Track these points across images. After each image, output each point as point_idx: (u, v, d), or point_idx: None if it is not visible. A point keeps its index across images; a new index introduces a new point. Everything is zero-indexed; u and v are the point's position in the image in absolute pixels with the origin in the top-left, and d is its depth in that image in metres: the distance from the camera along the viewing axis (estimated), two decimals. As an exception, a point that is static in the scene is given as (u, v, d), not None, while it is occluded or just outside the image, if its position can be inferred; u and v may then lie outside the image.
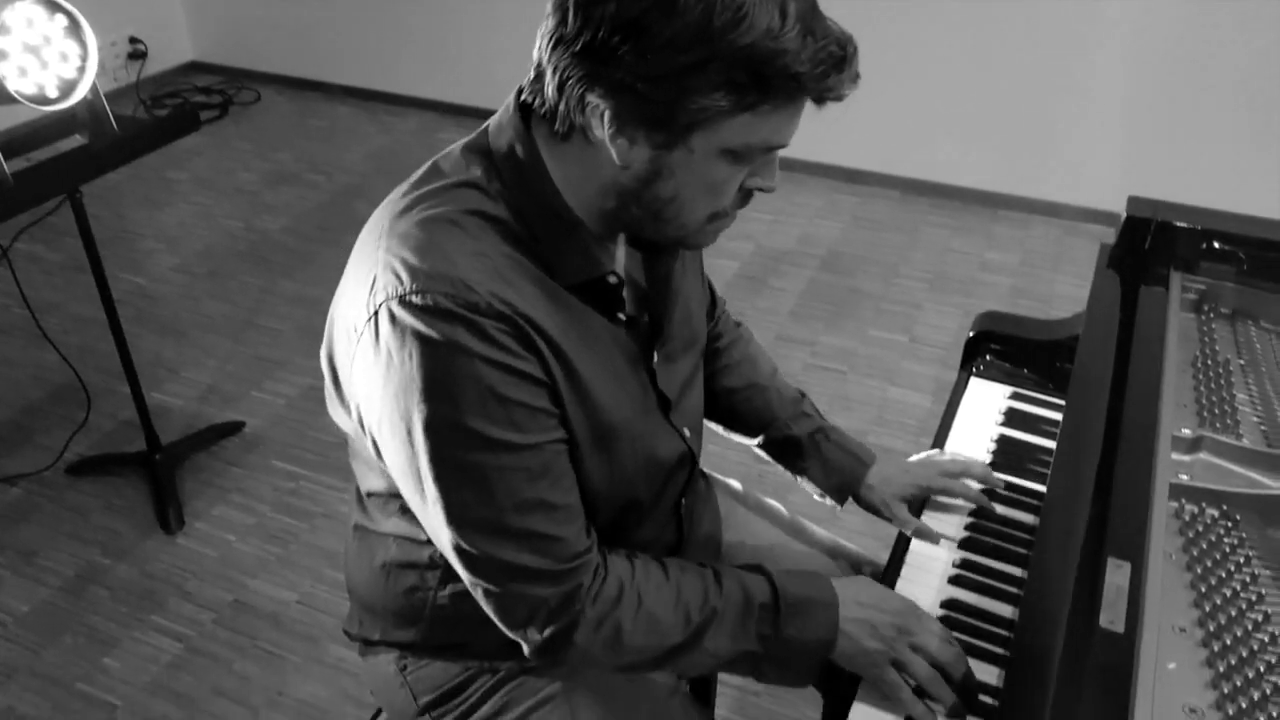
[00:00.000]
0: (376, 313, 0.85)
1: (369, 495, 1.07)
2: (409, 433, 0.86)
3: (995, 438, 1.37)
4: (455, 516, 0.89)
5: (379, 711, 1.28)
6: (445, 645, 1.10)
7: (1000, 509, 1.23)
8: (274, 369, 2.92)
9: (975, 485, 1.24)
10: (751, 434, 1.33)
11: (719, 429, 1.36)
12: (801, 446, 1.28)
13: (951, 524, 1.22)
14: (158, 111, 4.47)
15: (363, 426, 0.94)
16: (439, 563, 1.03)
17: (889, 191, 3.90)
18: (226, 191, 3.96)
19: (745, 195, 0.92)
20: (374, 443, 0.93)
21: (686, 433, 1.08)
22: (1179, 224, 1.35)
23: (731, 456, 2.54)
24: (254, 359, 2.97)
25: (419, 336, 0.83)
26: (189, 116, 2.40)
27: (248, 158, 4.22)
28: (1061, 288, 3.29)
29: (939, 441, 1.38)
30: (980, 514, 1.23)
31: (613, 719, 1.08)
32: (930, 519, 1.23)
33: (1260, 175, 3.30)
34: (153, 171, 4.02)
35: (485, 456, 0.87)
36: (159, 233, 3.66)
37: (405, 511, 1.00)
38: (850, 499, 1.28)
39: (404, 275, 0.85)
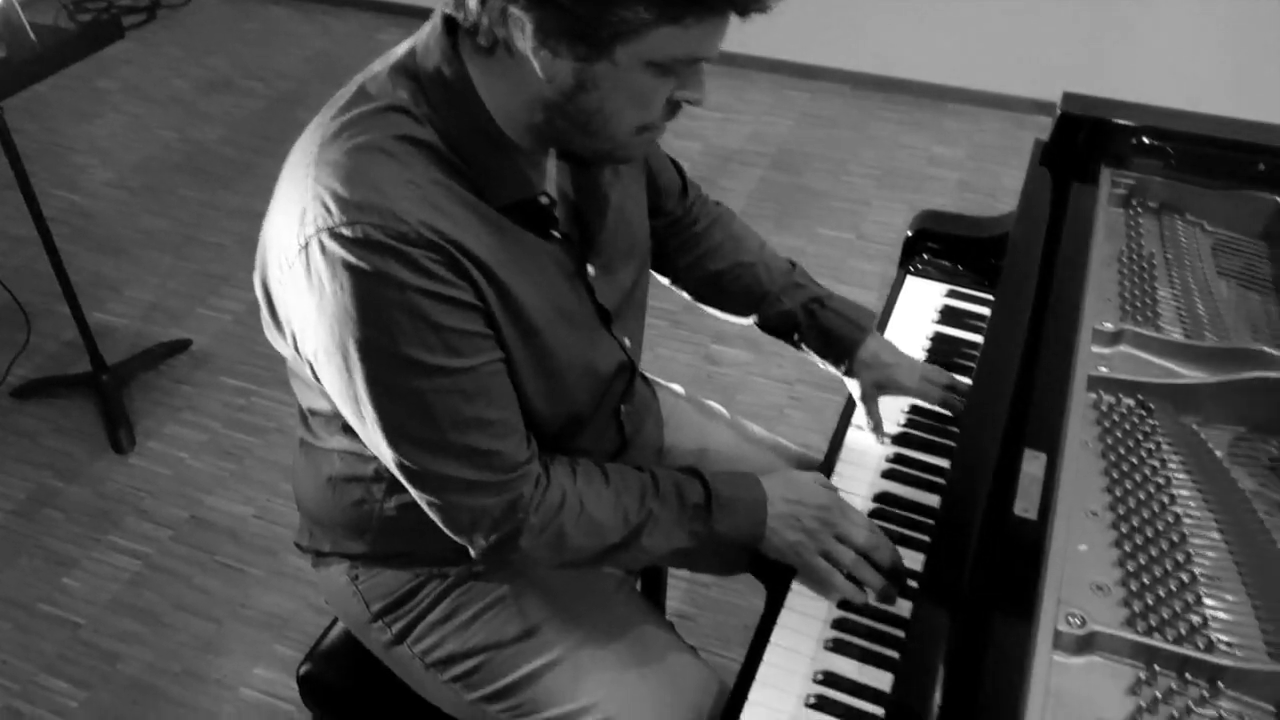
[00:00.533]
0: (307, 244, 0.85)
1: (311, 413, 1.08)
2: (345, 361, 0.87)
3: (931, 335, 1.41)
4: (395, 437, 0.91)
5: (335, 620, 1.31)
6: (394, 554, 1.13)
7: (930, 405, 1.27)
8: (219, 284, 2.87)
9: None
10: (745, 314, 1.32)
11: (716, 313, 1.35)
12: (796, 319, 1.28)
13: (887, 420, 1.26)
14: (81, 17, 4.27)
15: (299, 352, 0.95)
16: (384, 475, 1.05)
17: (839, 86, 3.86)
18: (159, 100, 3.83)
19: (673, 107, 0.91)
20: (311, 368, 0.94)
21: (627, 342, 1.10)
22: (1111, 120, 1.37)
23: (681, 359, 2.58)
24: (198, 274, 2.92)
25: (350, 268, 0.84)
26: (112, 25, 2.31)
27: (180, 64, 4.07)
28: (1009, 181, 3.31)
29: (876, 341, 1.41)
30: (945, 419, 1.26)
31: (561, 616, 1.12)
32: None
33: (1202, 67, 3.31)
34: (80, 81, 3.87)
35: (422, 381, 0.88)
36: (91, 146, 3.54)
37: (348, 429, 1.01)
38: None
39: (333, 207, 0.84)
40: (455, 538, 0.98)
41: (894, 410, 1.28)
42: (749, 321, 1.32)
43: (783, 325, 1.30)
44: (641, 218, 1.16)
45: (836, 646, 1.01)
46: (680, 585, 2.04)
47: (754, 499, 1.06)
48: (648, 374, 1.36)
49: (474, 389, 0.91)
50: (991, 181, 3.32)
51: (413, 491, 0.96)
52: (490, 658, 1.11)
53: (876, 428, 1.25)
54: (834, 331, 1.26)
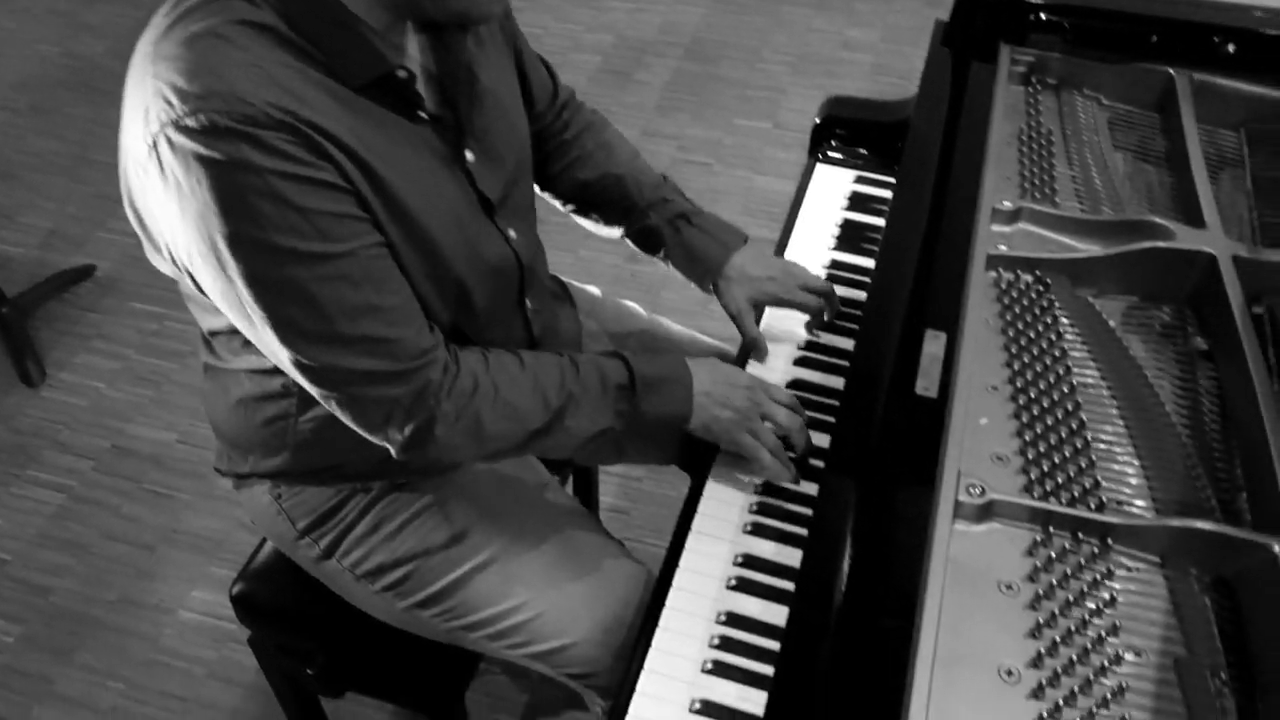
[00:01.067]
0: (155, 143, 0.81)
1: (212, 334, 1.06)
2: (219, 261, 0.85)
3: (840, 222, 1.42)
4: (286, 334, 0.89)
5: (264, 540, 1.31)
6: (314, 470, 1.13)
7: (843, 290, 1.28)
8: (117, 206, 2.69)
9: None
10: (614, 226, 1.31)
11: (585, 223, 1.34)
12: (661, 234, 1.27)
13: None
14: (-61, -77, 3.96)
15: (177, 265, 0.92)
16: (294, 390, 1.04)
17: (750, -30, 3.78)
18: (36, 13, 3.59)
19: None
20: (192, 279, 0.92)
21: (512, 234, 1.08)
22: (1011, -5, 1.36)
23: (604, 260, 2.57)
24: (94, 197, 2.80)
25: (202, 160, 0.80)
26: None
27: (54, -28, 3.82)
28: (922, 63, 3.30)
29: (787, 229, 1.42)
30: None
31: (487, 520, 1.14)
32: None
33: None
34: (-55, -6, 3.62)
35: (300, 270, 0.85)
36: (-35, 65, 3.34)
37: (250, 345, 1.00)
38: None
39: (174, 100, 0.80)
40: (370, 437, 0.97)
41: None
42: (617, 234, 1.32)
43: (649, 240, 1.29)
44: (518, 107, 1.13)
45: (755, 530, 1.04)
46: (613, 481, 2.08)
47: (679, 377, 1.06)
48: (564, 277, 1.36)
49: (359, 274, 0.88)
50: (905, 64, 3.31)
51: (318, 393, 0.94)
52: (419, 565, 1.13)
53: (755, 346, 1.23)
54: (698, 249, 1.26)
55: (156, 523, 2.01)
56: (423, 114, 0.95)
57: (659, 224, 1.27)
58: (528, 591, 1.11)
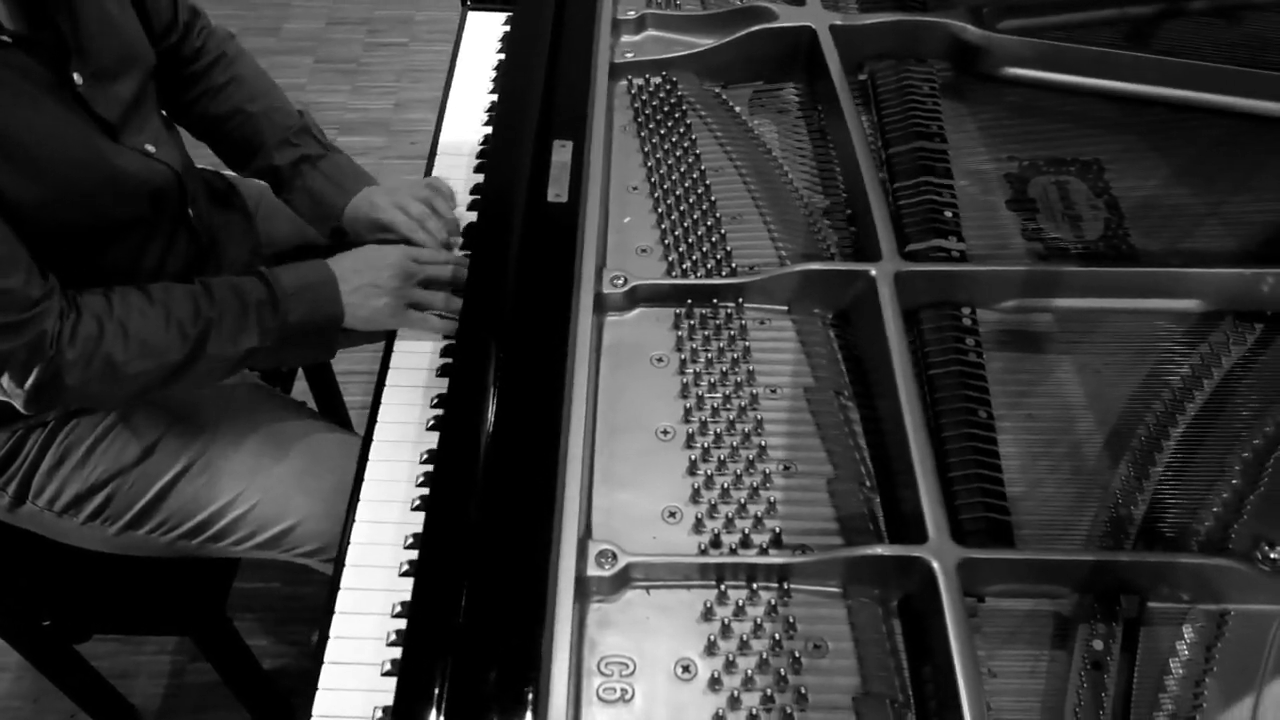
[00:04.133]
0: None
1: None
2: None
3: (495, 65, 1.42)
4: None
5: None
6: (-26, 420, 1.06)
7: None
8: None
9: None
10: (241, 166, 1.25)
11: (219, 158, 1.27)
12: (282, 176, 1.21)
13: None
14: None
15: None
16: (-84, 348, 0.96)
17: None
18: None
19: None
20: None
21: (150, 149, 1.02)
22: None
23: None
24: None
25: None
26: None
27: None
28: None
29: (447, 84, 1.41)
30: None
31: (179, 428, 1.11)
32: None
33: None
34: None
35: None
36: None
37: None
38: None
39: None
40: None
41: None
42: (245, 175, 1.25)
43: (273, 183, 1.23)
44: (131, 22, 1.06)
45: (446, 371, 1.07)
46: (360, 380, 2.05)
47: (321, 279, 1.05)
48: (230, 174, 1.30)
49: None
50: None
51: None
52: (118, 486, 1.09)
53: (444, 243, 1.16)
54: (316, 193, 1.19)
55: None
56: (4, 37, 0.88)
57: (281, 165, 1.20)
58: (237, 484, 1.10)
